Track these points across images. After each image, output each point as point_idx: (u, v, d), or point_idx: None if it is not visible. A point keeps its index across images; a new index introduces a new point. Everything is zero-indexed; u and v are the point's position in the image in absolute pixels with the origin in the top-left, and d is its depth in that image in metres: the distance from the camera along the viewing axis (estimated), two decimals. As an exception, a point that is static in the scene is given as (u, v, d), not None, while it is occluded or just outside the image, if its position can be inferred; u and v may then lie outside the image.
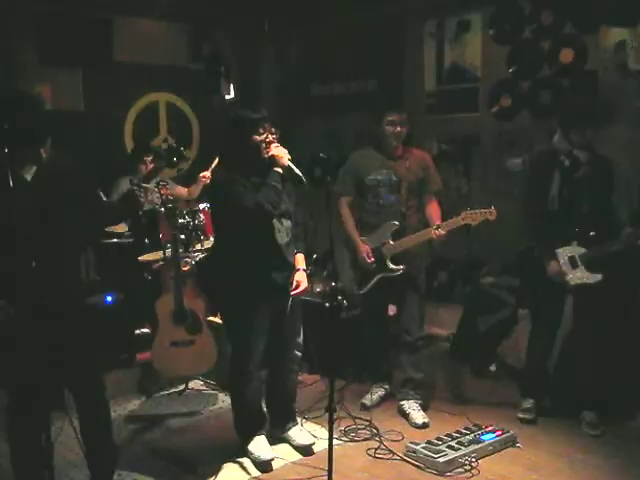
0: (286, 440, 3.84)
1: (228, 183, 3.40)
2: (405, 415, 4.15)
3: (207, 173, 5.09)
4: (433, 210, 4.13)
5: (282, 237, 3.51)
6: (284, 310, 3.60)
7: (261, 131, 3.41)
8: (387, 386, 4.46)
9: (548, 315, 4.06)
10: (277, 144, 3.44)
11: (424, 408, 4.20)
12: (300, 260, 3.68)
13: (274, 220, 3.46)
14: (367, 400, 4.35)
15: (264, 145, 3.42)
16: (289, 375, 3.79)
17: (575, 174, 3.85)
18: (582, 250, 3.85)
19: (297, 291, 3.59)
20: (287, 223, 3.56)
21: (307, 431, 3.89)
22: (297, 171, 3.37)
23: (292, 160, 3.42)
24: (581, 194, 3.86)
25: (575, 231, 3.87)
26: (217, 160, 4.87)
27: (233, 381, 3.72)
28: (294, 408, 3.92)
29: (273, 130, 3.45)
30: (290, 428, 3.85)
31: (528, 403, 4.13)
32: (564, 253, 3.88)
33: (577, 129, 3.82)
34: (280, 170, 3.40)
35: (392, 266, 4.07)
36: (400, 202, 4.09)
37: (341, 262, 4.18)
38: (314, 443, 3.76)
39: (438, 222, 3.96)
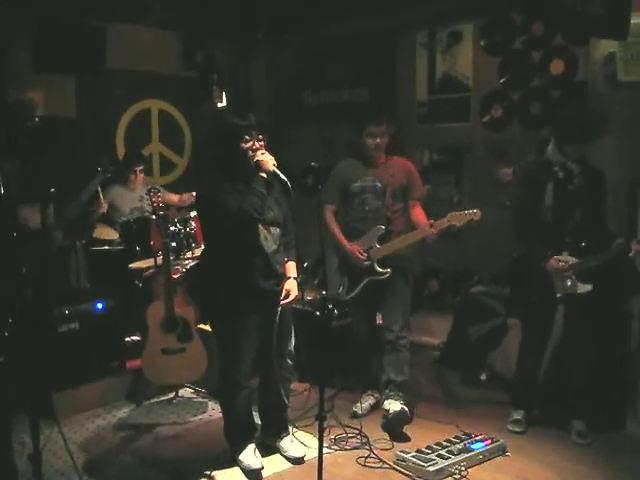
0: (277, 450, 3.82)
1: (213, 189, 3.42)
2: (386, 412, 4.12)
3: None
4: (419, 213, 4.22)
5: (269, 245, 3.50)
6: (273, 318, 3.57)
7: (247, 138, 3.42)
8: (377, 394, 4.46)
9: (539, 326, 4.08)
10: (263, 151, 3.46)
11: (409, 408, 4.16)
12: (291, 268, 3.66)
13: (261, 227, 3.46)
14: (357, 408, 4.35)
15: (250, 152, 3.43)
16: (280, 384, 3.75)
17: (568, 186, 3.89)
18: (573, 260, 3.88)
19: (287, 300, 3.57)
20: (275, 231, 3.55)
21: (299, 442, 3.87)
22: (282, 176, 3.40)
23: (278, 166, 3.44)
24: (574, 205, 3.89)
25: (567, 241, 3.90)
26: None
27: (222, 391, 3.72)
28: (286, 417, 3.89)
29: (260, 137, 3.47)
30: (282, 438, 3.84)
31: (518, 414, 4.13)
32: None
33: (572, 142, 3.85)
34: (265, 175, 3.42)
35: (379, 269, 4.12)
36: (385, 207, 4.18)
37: (327, 268, 4.20)
38: (305, 455, 3.74)
39: (429, 221, 4.01)
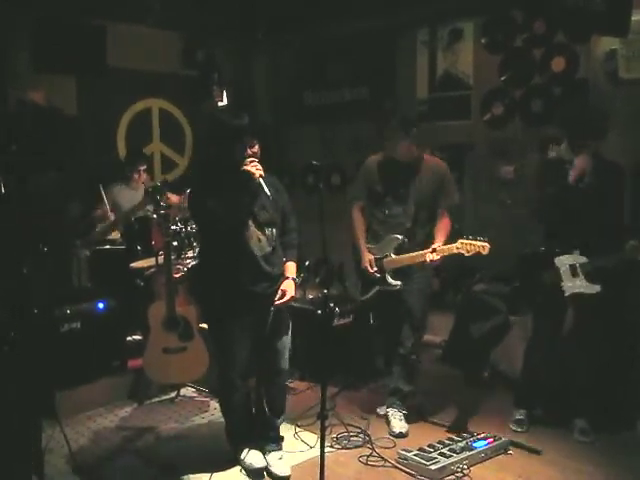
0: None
1: (199, 193, 3.37)
2: (387, 422, 4.14)
3: None
4: (441, 227, 3.99)
5: (263, 247, 3.40)
6: (265, 321, 3.47)
7: (239, 143, 3.29)
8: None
9: (547, 325, 4.04)
10: (253, 159, 3.34)
11: (407, 419, 4.14)
12: (290, 268, 3.56)
13: (254, 229, 3.38)
14: (382, 410, 4.29)
15: (240, 158, 3.32)
16: (272, 390, 3.63)
17: (579, 184, 3.85)
18: (583, 259, 3.85)
19: (281, 301, 3.45)
20: (270, 232, 3.45)
21: (287, 461, 3.65)
22: (266, 190, 3.30)
23: (264, 177, 3.33)
24: (585, 204, 3.85)
25: (578, 240, 3.87)
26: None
27: (219, 391, 3.71)
28: (277, 427, 3.70)
29: (254, 143, 3.37)
30: (270, 451, 3.64)
31: (520, 414, 4.11)
32: (565, 261, 3.88)
33: (585, 140, 3.82)
34: (250, 184, 3.32)
35: (391, 280, 4.01)
36: (406, 215, 4.01)
37: (349, 266, 4.16)
38: (289, 476, 3.54)
39: (438, 243, 3.84)
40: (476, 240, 3.68)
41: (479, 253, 3.69)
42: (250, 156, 3.36)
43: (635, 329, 4.20)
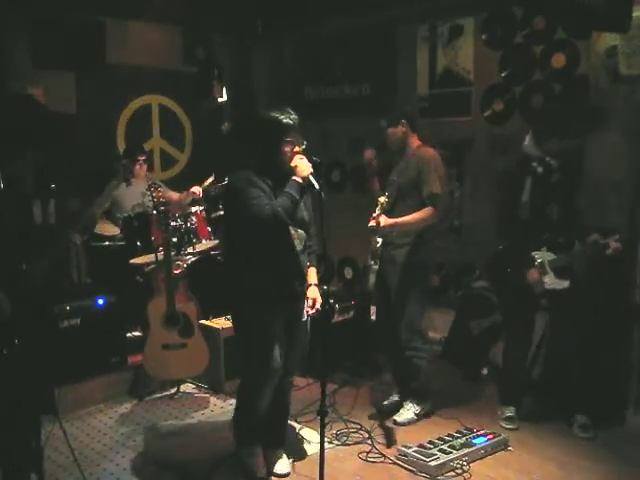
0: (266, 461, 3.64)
1: (247, 186, 3.27)
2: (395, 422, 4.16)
3: (198, 188, 5.11)
4: (411, 213, 3.97)
5: (297, 245, 3.39)
6: (295, 320, 3.43)
7: (288, 140, 3.27)
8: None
9: (519, 323, 4.09)
10: (301, 156, 3.30)
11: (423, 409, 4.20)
12: (312, 274, 3.52)
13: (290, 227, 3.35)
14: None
15: (289, 154, 3.29)
16: (283, 390, 3.57)
17: (548, 181, 3.86)
18: (551, 256, 3.87)
19: (312, 311, 3.41)
20: (302, 232, 3.43)
21: (287, 460, 3.65)
22: (317, 186, 3.25)
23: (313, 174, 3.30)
24: (553, 201, 3.87)
25: (545, 237, 3.89)
26: (211, 179, 4.90)
27: (246, 391, 3.54)
28: (283, 427, 3.71)
29: (302, 141, 3.33)
30: (272, 450, 3.63)
31: (510, 411, 4.11)
32: (534, 258, 3.90)
33: (548, 136, 3.83)
34: (300, 180, 3.27)
35: (371, 261, 3.97)
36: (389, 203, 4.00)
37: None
38: (289, 473, 3.58)
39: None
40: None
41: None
42: (297, 152, 3.32)
43: (613, 324, 4.20)
